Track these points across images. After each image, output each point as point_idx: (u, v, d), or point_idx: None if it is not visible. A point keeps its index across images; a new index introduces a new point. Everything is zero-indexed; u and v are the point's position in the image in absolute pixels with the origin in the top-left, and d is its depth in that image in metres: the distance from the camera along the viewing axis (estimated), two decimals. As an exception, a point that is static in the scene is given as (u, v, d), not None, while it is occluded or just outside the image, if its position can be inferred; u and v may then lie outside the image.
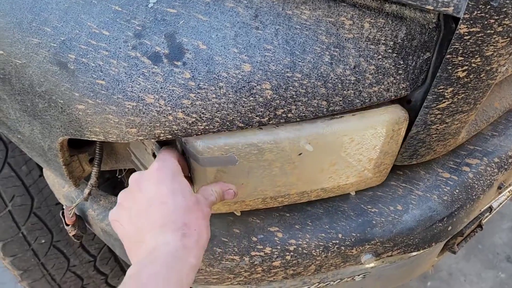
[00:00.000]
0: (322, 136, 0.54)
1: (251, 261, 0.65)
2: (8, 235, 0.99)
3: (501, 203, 0.96)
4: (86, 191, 0.68)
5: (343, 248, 0.66)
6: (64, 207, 0.75)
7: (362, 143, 0.56)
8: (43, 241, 1.02)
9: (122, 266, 1.19)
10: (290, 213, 0.68)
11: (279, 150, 0.54)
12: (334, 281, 0.73)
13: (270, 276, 0.67)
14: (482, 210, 0.79)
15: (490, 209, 0.84)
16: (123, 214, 0.51)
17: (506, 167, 0.73)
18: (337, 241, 0.65)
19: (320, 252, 0.66)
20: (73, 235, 0.73)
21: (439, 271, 1.68)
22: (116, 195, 0.68)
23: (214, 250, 0.65)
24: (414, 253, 0.74)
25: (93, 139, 0.54)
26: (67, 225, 0.72)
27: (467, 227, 0.80)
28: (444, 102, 0.54)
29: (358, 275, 0.73)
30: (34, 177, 0.98)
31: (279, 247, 0.65)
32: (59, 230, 1.03)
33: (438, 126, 0.58)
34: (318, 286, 0.73)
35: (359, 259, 0.69)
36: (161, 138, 0.52)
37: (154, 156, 0.63)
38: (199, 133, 0.52)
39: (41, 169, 0.99)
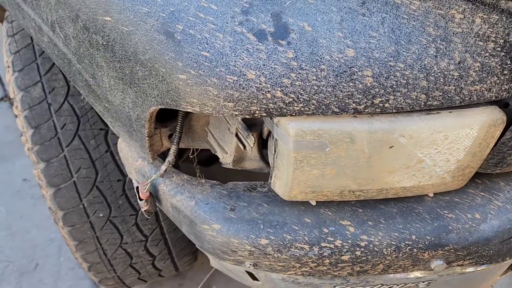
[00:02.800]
0: (417, 130, 0.53)
1: (320, 252, 0.64)
2: (70, 205, 1.03)
3: None
4: (163, 167, 0.70)
5: (415, 250, 0.64)
6: (136, 182, 0.76)
7: (454, 142, 0.55)
8: (101, 215, 1.05)
9: (170, 250, 1.20)
10: (363, 209, 0.67)
11: (371, 140, 0.54)
12: (397, 285, 0.71)
13: (336, 270, 0.67)
14: None
15: None
16: None
17: None
18: (410, 242, 0.64)
19: (392, 251, 0.64)
20: (145, 210, 0.75)
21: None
22: (187, 173, 0.70)
23: (284, 237, 0.65)
24: (484, 267, 0.71)
25: (188, 110, 0.55)
26: (141, 199, 0.73)
27: None
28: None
29: (423, 282, 0.71)
30: (101, 152, 1.01)
31: (350, 241, 0.64)
32: (117, 206, 1.05)
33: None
34: (378, 287, 0.72)
35: (428, 264, 0.67)
36: (256, 115, 0.53)
37: (237, 136, 0.64)
38: (294, 114, 0.52)
39: (108, 145, 1.02)
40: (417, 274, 0.70)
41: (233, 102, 0.52)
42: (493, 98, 0.53)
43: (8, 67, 1.02)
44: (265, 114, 0.53)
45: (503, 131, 0.58)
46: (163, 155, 0.74)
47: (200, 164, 1.20)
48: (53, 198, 1.02)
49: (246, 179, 0.73)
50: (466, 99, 0.52)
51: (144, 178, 0.77)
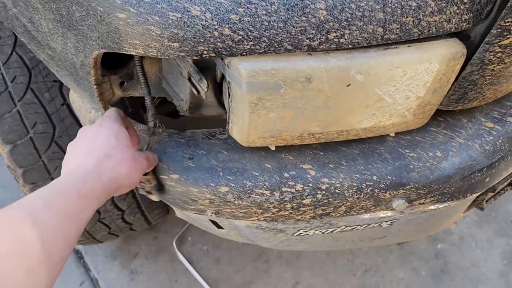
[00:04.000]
0: (374, 67, 0.51)
1: (281, 197, 0.63)
2: (29, 162, 0.99)
3: None
4: (151, 124, 0.66)
5: (376, 190, 0.64)
6: None
7: (414, 77, 0.53)
8: (63, 170, 1.01)
9: (139, 204, 1.19)
10: (324, 151, 0.65)
11: (327, 79, 0.51)
12: (361, 226, 0.72)
13: (299, 214, 0.66)
14: None
15: None
16: (72, 147, 0.59)
17: None
18: (372, 183, 0.63)
19: (353, 193, 0.64)
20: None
21: (450, 234, 1.68)
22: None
23: (244, 183, 0.63)
24: (445, 204, 0.72)
25: (132, 52, 0.51)
26: None
27: (500, 183, 0.78)
28: (509, 38, 0.51)
29: (386, 222, 0.72)
30: (56, 105, 0.96)
31: (311, 185, 0.63)
32: (79, 161, 1.02)
33: (495, 67, 0.55)
34: (343, 229, 0.72)
35: (390, 204, 0.67)
36: (204, 55, 0.49)
37: (190, 81, 0.60)
38: (244, 53, 0.49)
39: (64, 98, 0.97)
40: (380, 214, 0.70)
41: (178, 42, 0.48)
42: (453, 29, 0.50)
43: None
44: (213, 54, 0.49)
45: (463, 65, 0.56)
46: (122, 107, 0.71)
47: (169, 116, 1.16)
48: (10, 155, 0.97)
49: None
50: (425, 31, 0.50)
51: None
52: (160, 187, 0.68)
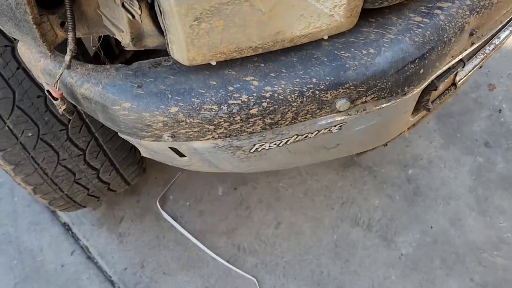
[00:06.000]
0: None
1: (229, 109, 0.67)
2: (-7, 129, 1.01)
3: (474, 66, 0.99)
4: (67, 58, 0.68)
5: (317, 92, 0.68)
6: (47, 84, 0.75)
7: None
8: (30, 134, 1.04)
9: (112, 161, 1.22)
10: (265, 63, 0.69)
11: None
12: (312, 133, 0.76)
13: (249, 126, 0.70)
14: (455, 60, 0.81)
15: (463, 63, 0.86)
16: None
17: (477, 10, 0.74)
18: (312, 86, 0.67)
19: (296, 97, 0.68)
20: (64, 110, 0.74)
21: (419, 159, 1.76)
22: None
23: (192, 101, 0.67)
24: (388, 103, 0.76)
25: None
26: (55, 99, 0.73)
27: (440, 80, 0.82)
28: None
29: (335, 126, 0.76)
30: (12, 70, 0.98)
31: (255, 94, 0.67)
32: (44, 123, 1.04)
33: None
34: (296, 139, 0.76)
35: (334, 105, 0.71)
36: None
37: (124, 7, 0.63)
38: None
39: (18, 61, 0.98)
40: (328, 119, 0.74)
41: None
42: None
43: None
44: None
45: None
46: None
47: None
48: None
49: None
50: None
51: (52, 77, 0.76)
52: (70, 109, 0.74)
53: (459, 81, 0.94)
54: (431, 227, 1.60)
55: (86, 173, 1.19)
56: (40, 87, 1.00)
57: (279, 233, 1.60)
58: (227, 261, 1.54)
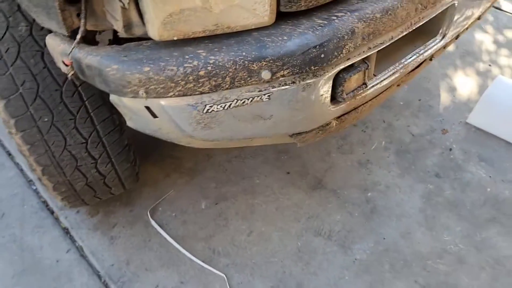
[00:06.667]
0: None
1: (184, 70, 0.98)
2: (19, 112, 1.32)
3: (390, 79, 1.29)
4: (78, 36, 1.02)
5: (246, 62, 0.99)
6: (62, 60, 1.08)
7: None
8: (45, 119, 1.35)
9: (108, 153, 1.51)
10: (212, 43, 1.01)
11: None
12: (247, 99, 1.06)
13: (199, 86, 1.00)
14: (357, 59, 1.12)
15: (367, 65, 1.17)
16: None
17: (364, 19, 1.07)
18: (242, 57, 0.99)
19: (231, 64, 0.99)
20: (72, 75, 1.06)
21: (378, 185, 2.00)
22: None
23: (159, 64, 0.98)
24: (304, 82, 1.06)
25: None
26: (67, 65, 1.05)
27: (347, 74, 1.13)
28: None
29: (264, 95, 1.06)
30: (39, 68, 1.32)
31: (202, 61, 0.98)
32: (58, 112, 1.35)
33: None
34: (236, 103, 1.06)
35: (260, 75, 1.02)
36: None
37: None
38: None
39: (44, 62, 1.32)
40: (257, 87, 1.04)
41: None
42: None
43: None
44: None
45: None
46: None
47: None
48: (5, 108, 1.31)
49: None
50: None
51: (67, 54, 1.09)
52: (79, 74, 1.03)
53: (370, 84, 1.24)
54: (384, 238, 1.80)
55: (86, 161, 1.47)
56: (58, 82, 1.33)
57: (250, 240, 1.82)
58: (203, 261, 1.75)
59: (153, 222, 1.88)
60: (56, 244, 1.84)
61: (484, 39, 2.69)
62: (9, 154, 2.20)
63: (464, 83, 2.44)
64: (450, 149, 2.12)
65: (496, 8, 2.91)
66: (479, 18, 1.59)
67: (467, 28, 1.55)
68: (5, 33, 1.30)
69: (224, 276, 1.69)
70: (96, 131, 1.44)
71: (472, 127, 2.20)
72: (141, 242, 1.83)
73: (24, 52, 1.30)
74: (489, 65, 2.53)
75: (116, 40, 1.21)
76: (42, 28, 1.30)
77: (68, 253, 1.81)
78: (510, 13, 2.88)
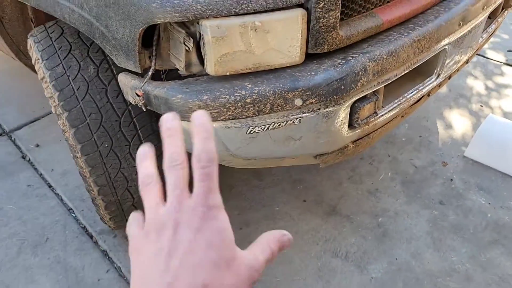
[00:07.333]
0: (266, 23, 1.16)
1: (234, 98, 1.24)
2: (85, 139, 1.57)
3: (396, 110, 1.55)
4: (149, 73, 1.29)
5: (283, 92, 1.25)
6: (134, 94, 1.35)
7: (286, 31, 1.19)
8: (106, 145, 1.60)
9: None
10: (255, 77, 1.28)
11: (240, 26, 1.16)
12: (283, 122, 1.31)
13: (246, 111, 1.26)
14: (369, 91, 1.38)
15: (377, 97, 1.43)
16: (146, 246, 0.44)
17: (374, 59, 1.35)
18: (279, 88, 1.25)
19: (271, 93, 1.25)
20: (143, 103, 1.32)
21: (387, 211, 2.21)
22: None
23: (215, 94, 1.24)
24: (328, 109, 1.32)
25: (159, 22, 1.16)
26: (139, 96, 1.31)
27: (361, 103, 1.39)
28: (321, 3, 1.18)
29: (296, 118, 1.31)
30: (103, 102, 1.58)
31: (249, 91, 1.24)
32: (116, 139, 1.61)
33: (322, 20, 1.21)
34: (274, 126, 1.31)
35: (294, 102, 1.27)
36: (189, 18, 1.14)
37: (184, 44, 1.25)
38: (207, 17, 1.15)
39: (108, 98, 1.59)
40: (291, 112, 1.30)
41: (178, 13, 1.14)
42: (297, 2, 1.17)
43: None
44: (194, 18, 1.14)
45: (308, 22, 1.22)
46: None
47: None
48: (74, 135, 1.56)
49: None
50: (279, 3, 1.16)
51: (137, 88, 1.35)
52: (147, 103, 1.28)
53: (380, 113, 1.50)
54: (396, 259, 1.99)
55: (135, 182, 1.70)
56: (118, 114, 1.59)
57: (273, 261, 2.00)
58: (231, 279, 1.92)
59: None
60: (96, 264, 2.03)
61: (475, 84, 2.99)
62: (50, 186, 2.43)
63: (459, 121, 2.71)
64: (451, 180, 2.35)
65: (483, 56, 3.24)
66: (467, 62, 1.88)
67: (457, 70, 1.83)
68: (77, 74, 1.58)
69: (252, 291, 1.87)
70: (145, 156, 1.67)
71: (469, 160, 2.44)
72: (174, 263, 2.01)
73: (92, 90, 1.57)
74: (481, 106, 2.81)
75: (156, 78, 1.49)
76: (107, 70, 1.59)
77: (107, 273, 1.99)
78: (496, 61, 3.21)
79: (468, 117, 2.74)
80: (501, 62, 3.18)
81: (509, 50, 3.26)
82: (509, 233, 2.08)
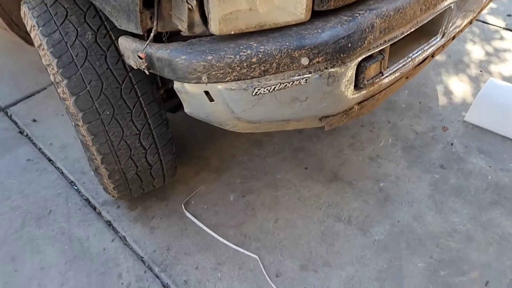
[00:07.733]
0: (269, -27, 1.13)
1: (240, 58, 1.21)
2: (86, 107, 1.55)
3: (401, 70, 1.54)
4: (151, 34, 1.26)
5: (289, 50, 1.23)
6: (136, 57, 1.32)
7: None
8: (108, 113, 1.57)
9: (157, 145, 1.72)
10: (261, 36, 1.25)
11: (249, -20, 1.13)
12: (288, 83, 1.29)
13: (251, 71, 1.24)
14: (375, 50, 1.36)
15: (383, 56, 1.41)
16: None
17: (381, 16, 1.32)
18: (286, 46, 1.22)
19: (277, 52, 1.22)
20: (145, 66, 1.29)
21: (389, 176, 2.22)
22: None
23: (220, 53, 1.22)
24: (334, 68, 1.30)
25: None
26: (141, 58, 1.28)
27: (367, 63, 1.37)
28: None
29: (302, 79, 1.29)
30: (103, 69, 1.55)
31: (254, 50, 1.22)
32: (118, 106, 1.58)
33: (329, -26, 1.18)
34: (280, 86, 1.29)
35: (300, 61, 1.25)
36: (193, -25, 1.11)
37: (187, 2, 1.21)
38: (211, -28, 1.11)
39: (108, 65, 1.56)
40: (297, 72, 1.27)
41: (181, -31, 1.10)
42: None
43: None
44: (197, -26, 1.11)
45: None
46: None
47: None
48: (75, 103, 1.53)
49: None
50: (290, -44, 1.13)
51: (139, 50, 1.32)
52: (150, 66, 1.25)
53: (385, 74, 1.48)
54: (398, 221, 2.01)
55: (138, 150, 1.69)
56: (118, 81, 1.56)
57: (277, 226, 2.01)
58: (236, 245, 1.94)
59: (187, 213, 2.08)
60: (101, 235, 2.03)
61: (474, 49, 2.97)
62: (49, 160, 2.41)
63: (459, 86, 2.70)
64: (452, 144, 2.36)
65: (483, 22, 3.22)
66: (471, 22, 1.86)
67: (461, 30, 1.81)
68: (75, 40, 1.54)
69: (257, 257, 1.88)
70: (147, 123, 1.66)
71: (469, 125, 2.45)
72: (178, 231, 2.02)
73: (91, 56, 1.54)
74: (480, 71, 2.80)
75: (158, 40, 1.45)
76: (105, 35, 1.55)
77: (113, 242, 2.00)
78: (495, 26, 3.18)
79: (468, 83, 2.73)
80: (500, 27, 3.16)
81: (508, 15, 3.24)
82: (509, 194, 2.10)
